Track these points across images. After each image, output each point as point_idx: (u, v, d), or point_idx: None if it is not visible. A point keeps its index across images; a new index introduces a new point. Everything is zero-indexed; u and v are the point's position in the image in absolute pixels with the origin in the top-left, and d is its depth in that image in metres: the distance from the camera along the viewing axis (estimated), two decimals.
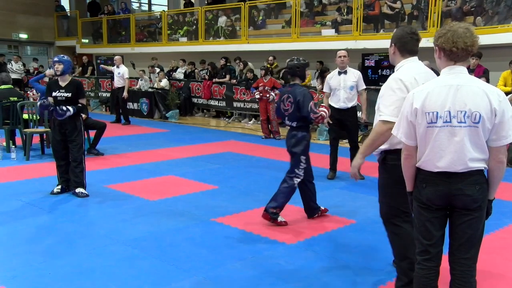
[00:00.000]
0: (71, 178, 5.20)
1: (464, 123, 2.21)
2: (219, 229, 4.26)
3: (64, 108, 5.03)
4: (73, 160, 5.19)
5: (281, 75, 11.60)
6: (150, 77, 13.46)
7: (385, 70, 9.08)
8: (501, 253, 3.81)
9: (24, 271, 3.32)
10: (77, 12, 18.46)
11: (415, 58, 2.91)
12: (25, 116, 7.38)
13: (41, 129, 7.49)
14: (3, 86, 7.65)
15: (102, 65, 13.36)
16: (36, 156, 7.41)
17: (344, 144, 7.27)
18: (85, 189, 5.22)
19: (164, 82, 12.83)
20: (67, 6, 19.64)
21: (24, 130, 7.28)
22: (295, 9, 12.11)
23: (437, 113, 2.25)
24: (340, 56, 6.10)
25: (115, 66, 11.37)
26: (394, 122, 2.54)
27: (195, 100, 13.38)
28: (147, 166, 6.83)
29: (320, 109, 4.32)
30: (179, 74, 14.16)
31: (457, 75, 2.28)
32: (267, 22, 13.63)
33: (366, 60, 9.50)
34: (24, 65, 16.36)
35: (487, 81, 7.99)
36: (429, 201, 2.34)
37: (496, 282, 3.33)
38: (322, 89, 6.73)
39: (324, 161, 6.45)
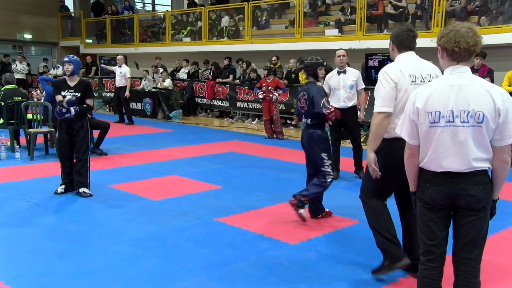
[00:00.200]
0: (75, 178, 5.22)
1: (467, 122, 2.21)
2: (222, 229, 4.26)
3: (64, 109, 5.02)
4: (78, 160, 5.19)
5: (284, 75, 11.63)
6: (153, 77, 13.49)
7: None
8: (506, 254, 3.80)
9: (28, 271, 3.33)
10: (81, 12, 18.52)
11: (411, 52, 3.15)
12: (29, 116, 7.41)
13: (45, 129, 7.51)
14: (7, 86, 7.67)
15: (102, 65, 13.41)
16: (40, 156, 7.43)
17: (347, 144, 7.26)
18: (89, 189, 5.24)
19: (168, 82, 12.85)
20: (71, 6, 19.71)
21: (28, 130, 7.31)
22: (299, 9, 12.10)
23: (440, 112, 2.24)
24: (339, 56, 6.09)
25: (117, 66, 11.43)
26: (387, 111, 2.95)
27: (198, 100, 13.40)
28: (151, 166, 6.84)
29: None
30: (182, 74, 14.18)
31: (460, 75, 2.27)
32: (270, 22, 13.63)
33: (369, 60, 9.48)
34: (28, 65, 16.43)
35: (492, 81, 7.96)
36: (433, 201, 2.33)
37: (500, 282, 3.31)
38: None
39: None
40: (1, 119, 7.53)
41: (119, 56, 11.63)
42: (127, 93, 11.19)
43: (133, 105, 12.96)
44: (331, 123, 5.94)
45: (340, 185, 5.88)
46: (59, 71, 15.77)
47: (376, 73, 9.32)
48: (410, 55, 3.14)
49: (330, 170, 4.33)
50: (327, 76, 6.32)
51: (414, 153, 2.38)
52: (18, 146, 7.39)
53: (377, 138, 3.05)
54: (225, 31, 13.94)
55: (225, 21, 14.02)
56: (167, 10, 16.88)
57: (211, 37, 14.23)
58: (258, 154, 7.90)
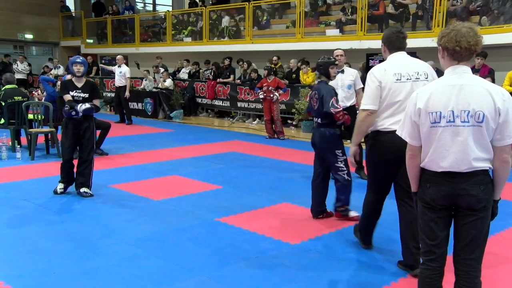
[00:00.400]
0: (78, 178, 5.22)
1: (467, 122, 2.21)
2: (223, 229, 4.26)
3: (74, 112, 5.04)
4: (83, 161, 5.19)
5: (285, 75, 11.63)
6: (154, 77, 13.50)
7: None
8: (507, 254, 3.79)
9: (29, 270, 3.34)
10: (82, 12, 18.54)
11: (401, 52, 3.33)
12: (30, 116, 7.41)
13: (46, 129, 7.52)
14: (7, 86, 7.69)
15: (102, 65, 13.41)
16: (41, 156, 7.44)
17: (347, 144, 7.24)
18: (90, 189, 5.24)
19: (168, 82, 12.86)
20: (72, 7, 19.73)
21: (29, 130, 7.31)
22: (300, 9, 12.09)
23: (441, 113, 2.24)
24: (337, 55, 6.08)
25: (117, 66, 11.45)
26: (370, 109, 3.22)
27: (199, 100, 13.40)
28: (151, 166, 6.84)
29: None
30: (183, 74, 14.19)
31: (460, 75, 2.27)
32: (271, 22, 13.63)
33: (370, 60, 9.48)
34: (29, 65, 16.44)
35: (493, 81, 7.95)
36: (433, 201, 2.33)
37: (501, 283, 3.31)
38: None
39: None
40: (2, 119, 7.53)
41: (118, 56, 11.67)
42: (127, 93, 11.22)
43: (134, 105, 12.98)
44: (338, 123, 5.94)
45: None
46: (60, 71, 15.78)
47: None
48: (399, 55, 3.33)
49: (344, 166, 4.34)
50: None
51: (416, 154, 2.38)
52: (19, 146, 7.40)
53: (360, 133, 3.39)
54: (226, 31, 13.94)
55: (225, 21, 14.03)
56: (168, 10, 16.90)
57: (212, 37, 14.24)
58: (259, 154, 7.90)
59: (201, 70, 13.71)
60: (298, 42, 12.00)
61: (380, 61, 10.21)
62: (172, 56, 14.92)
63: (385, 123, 3.25)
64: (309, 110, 4.77)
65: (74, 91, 5.15)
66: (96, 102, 5.33)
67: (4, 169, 6.47)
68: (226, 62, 12.81)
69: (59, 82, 8.58)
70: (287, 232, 4.16)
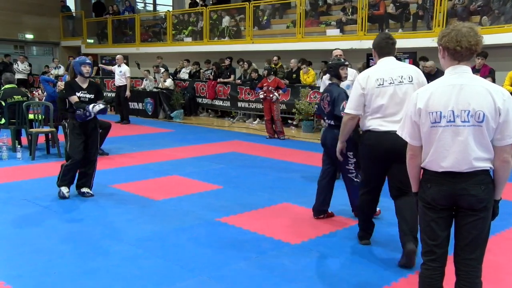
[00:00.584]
0: (80, 178, 5.20)
1: (468, 122, 2.20)
2: (223, 229, 4.26)
3: (88, 113, 5.00)
4: (89, 161, 5.17)
5: (285, 75, 11.63)
6: (154, 77, 13.50)
7: None
8: (508, 254, 3.79)
9: (29, 270, 3.34)
10: (82, 12, 18.54)
11: (389, 57, 3.55)
12: (31, 116, 7.42)
13: (46, 129, 7.53)
14: (7, 86, 7.72)
15: (101, 65, 13.41)
16: (42, 156, 7.44)
17: None
18: (91, 189, 5.24)
19: (169, 82, 12.86)
20: (72, 7, 19.73)
21: (30, 130, 7.32)
22: (300, 9, 12.09)
23: (441, 112, 2.24)
24: (336, 55, 6.09)
25: (117, 65, 11.47)
26: (351, 114, 3.55)
27: (199, 100, 13.40)
28: (152, 166, 6.84)
29: None
30: (183, 74, 14.19)
31: (460, 75, 2.27)
32: (271, 22, 13.63)
33: (371, 60, 9.47)
34: (30, 65, 16.44)
35: (493, 81, 7.94)
36: (434, 201, 2.33)
37: (502, 283, 3.31)
38: None
39: None
40: (3, 119, 7.54)
41: (118, 56, 11.70)
42: (127, 93, 11.23)
43: (134, 105, 12.98)
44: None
45: (342, 186, 5.85)
46: (61, 71, 15.78)
47: None
48: (387, 60, 3.55)
49: (353, 168, 4.34)
50: (325, 76, 6.32)
51: (416, 154, 2.38)
52: (19, 146, 7.41)
53: (344, 134, 3.80)
54: (226, 31, 13.94)
55: (226, 21, 14.02)
56: (168, 10, 16.89)
57: (212, 37, 14.23)
58: (259, 154, 7.90)
59: (201, 70, 13.71)
60: (298, 42, 11.99)
61: None
62: (173, 56, 14.93)
63: (373, 124, 3.50)
64: (319, 112, 4.75)
65: (80, 92, 5.11)
66: (101, 102, 5.32)
67: (4, 169, 6.47)
68: (227, 62, 12.81)
69: (59, 83, 8.59)
70: (288, 232, 4.16)
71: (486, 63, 8.74)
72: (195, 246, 3.84)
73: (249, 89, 11.75)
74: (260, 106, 11.30)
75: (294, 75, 11.50)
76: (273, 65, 11.36)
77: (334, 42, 10.88)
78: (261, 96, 9.58)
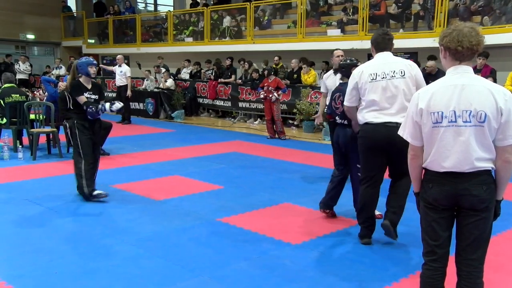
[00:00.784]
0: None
1: (469, 122, 2.20)
2: (224, 229, 4.26)
3: (101, 111, 5.09)
4: (94, 160, 5.19)
5: (286, 75, 11.63)
6: (155, 77, 13.51)
7: None
8: (509, 254, 3.79)
9: (30, 270, 3.34)
10: (83, 12, 18.55)
11: (385, 52, 3.72)
12: (32, 116, 7.43)
13: (47, 129, 7.53)
14: (6, 85, 7.79)
15: (102, 65, 13.40)
16: (43, 156, 7.45)
17: None
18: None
19: (170, 82, 12.86)
20: (73, 7, 19.75)
21: (31, 130, 7.33)
22: (301, 9, 12.09)
23: (442, 113, 2.24)
24: (338, 56, 6.08)
25: (117, 65, 11.49)
26: (347, 105, 3.85)
27: (200, 100, 13.41)
28: (153, 166, 6.84)
29: None
30: (184, 74, 14.20)
31: (462, 75, 2.26)
32: (272, 22, 13.62)
33: None
34: (31, 65, 16.46)
35: (495, 81, 7.93)
36: (435, 201, 2.32)
37: (503, 283, 3.30)
38: None
39: (329, 161, 6.42)
40: (4, 118, 7.55)
41: (119, 56, 11.73)
42: (128, 92, 11.24)
43: (135, 105, 12.99)
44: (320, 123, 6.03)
45: (344, 188, 5.86)
46: (62, 71, 15.80)
47: None
48: (382, 55, 3.73)
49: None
50: (324, 76, 6.33)
51: (418, 154, 2.38)
52: (21, 146, 7.41)
53: (351, 118, 3.98)
54: (227, 31, 13.94)
55: (227, 21, 14.02)
56: (169, 10, 16.90)
57: (213, 37, 14.23)
58: (260, 154, 7.90)
59: (202, 70, 13.71)
60: (299, 42, 11.99)
61: None
62: (174, 56, 14.93)
63: (369, 117, 3.69)
64: (330, 112, 4.71)
65: (86, 92, 5.13)
66: (103, 102, 5.35)
67: (6, 169, 6.48)
68: (228, 62, 12.81)
69: (60, 83, 8.60)
70: (289, 232, 4.16)
71: (487, 63, 8.73)
72: (196, 246, 3.84)
73: (250, 89, 11.75)
74: (261, 106, 11.30)
75: (295, 75, 11.50)
76: (274, 65, 11.36)
77: (335, 42, 10.88)
78: (262, 96, 9.59)
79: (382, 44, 3.74)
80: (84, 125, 5.06)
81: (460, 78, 2.26)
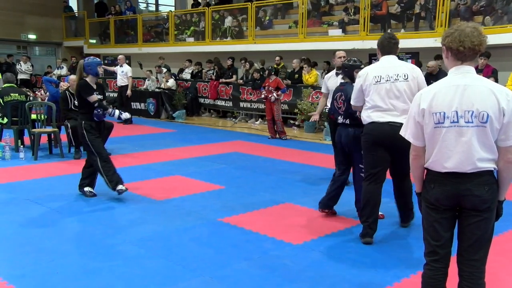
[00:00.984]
0: (84, 178, 5.22)
1: (471, 123, 2.20)
2: (225, 229, 4.26)
3: (109, 115, 5.23)
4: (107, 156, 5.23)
5: (287, 75, 11.63)
6: (157, 77, 13.51)
7: None
8: (511, 255, 3.78)
9: (32, 270, 3.34)
10: (85, 12, 18.56)
11: (390, 56, 3.87)
12: (33, 116, 7.45)
13: (49, 129, 7.54)
14: (6, 85, 7.83)
15: (103, 66, 13.38)
16: (44, 156, 7.46)
17: None
18: (93, 189, 5.25)
19: (171, 82, 12.87)
20: (75, 7, 19.77)
21: (32, 130, 7.34)
22: (302, 9, 12.08)
23: (444, 113, 2.23)
24: (340, 57, 6.08)
25: (119, 65, 11.51)
26: (353, 104, 4.02)
27: (201, 100, 13.41)
28: (154, 166, 6.85)
29: None
30: (186, 74, 14.20)
31: (464, 75, 2.26)
32: (274, 22, 13.61)
33: (373, 60, 9.46)
34: (32, 65, 16.47)
35: (496, 81, 7.92)
36: (437, 202, 2.32)
37: (505, 284, 3.30)
38: None
39: (330, 161, 6.42)
40: (5, 118, 7.57)
41: (120, 56, 11.76)
42: (128, 92, 11.27)
43: (136, 105, 13.00)
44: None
45: (346, 188, 5.85)
46: (63, 71, 15.81)
47: None
48: (387, 58, 3.87)
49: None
50: (326, 76, 6.33)
51: (419, 155, 2.38)
52: (22, 146, 7.42)
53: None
54: (228, 31, 13.94)
55: (228, 21, 14.02)
56: (171, 10, 16.92)
57: (215, 37, 14.24)
58: (261, 154, 7.90)
59: (203, 70, 13.71)
60: (300, 42, 11.98)
61: None
62: (175, 56, 14.94)
63: (374, 117, 3.81)
64: (332, 112, 4.73)
65: (94, 92, 5.17)
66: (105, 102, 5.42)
67: (7, 169, 6.49)
68: (229, 62, 12.82)
69: (62, 83, 8.61)
70: (290, 233, 4.16)
71: (489, 63, 8.72)
72: (197, 246, 3.84)
73: (251, 89, 11.75)
74: (262, 106, 11.30)
75: (296, 75, 11.50)
76: (275, 65, 11.36)
77: (336, 42, 10.88)
78: (262, 96, 9.60)
79: (388, 47, 3.88)
80: (91, 125, 5.09)
81: (462, 78, 2.25)
